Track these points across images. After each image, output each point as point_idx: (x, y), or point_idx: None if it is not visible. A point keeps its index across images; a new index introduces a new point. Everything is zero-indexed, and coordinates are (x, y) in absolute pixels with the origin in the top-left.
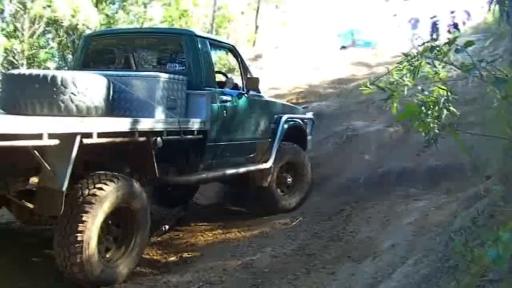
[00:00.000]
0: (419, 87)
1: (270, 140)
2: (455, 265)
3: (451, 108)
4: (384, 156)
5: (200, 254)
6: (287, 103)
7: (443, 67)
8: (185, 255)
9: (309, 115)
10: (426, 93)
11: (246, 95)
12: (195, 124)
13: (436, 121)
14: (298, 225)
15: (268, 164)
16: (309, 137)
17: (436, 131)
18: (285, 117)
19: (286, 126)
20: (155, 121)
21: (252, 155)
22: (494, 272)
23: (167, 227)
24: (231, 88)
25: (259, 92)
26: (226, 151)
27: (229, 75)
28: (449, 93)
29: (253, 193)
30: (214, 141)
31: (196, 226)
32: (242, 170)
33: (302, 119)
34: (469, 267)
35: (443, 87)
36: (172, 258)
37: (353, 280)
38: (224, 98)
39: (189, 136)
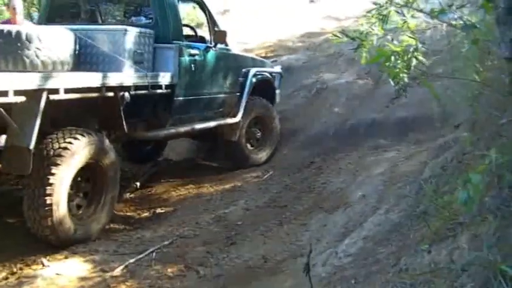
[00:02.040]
0: (389, 37)
1: (238, 94)
2: (426, 211)
3: (420, 57)
4: (354, 109)
5: (173, 209)
6: (255, 57)
7: (412, 16)
8: (158, 210)
9: (277, 69)
10: (396, 42)
11: (214, 48)
12: (163, 78)
13: (405, 70)
14: (269, 178)
15: (237, 119)
16: (277, 91)
17: (406, 80)
18: (253, 71)
19: (254, 80)
20: (123, 76)
21: (220, 110)
22: (464, 215)
23: (139, 184)
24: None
25: (227, 46)
26: (194, 105)
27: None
28: (418, 43)
29: (223, 148)
30: (183, 95)
31: (168, 182)
32: (211, 124)
33: (270, 73)
34: (439, 211)
35: (412, 36)
36: (146, 214)
37: (325, 230)
38: (192, 51)
39: (157, 91)
